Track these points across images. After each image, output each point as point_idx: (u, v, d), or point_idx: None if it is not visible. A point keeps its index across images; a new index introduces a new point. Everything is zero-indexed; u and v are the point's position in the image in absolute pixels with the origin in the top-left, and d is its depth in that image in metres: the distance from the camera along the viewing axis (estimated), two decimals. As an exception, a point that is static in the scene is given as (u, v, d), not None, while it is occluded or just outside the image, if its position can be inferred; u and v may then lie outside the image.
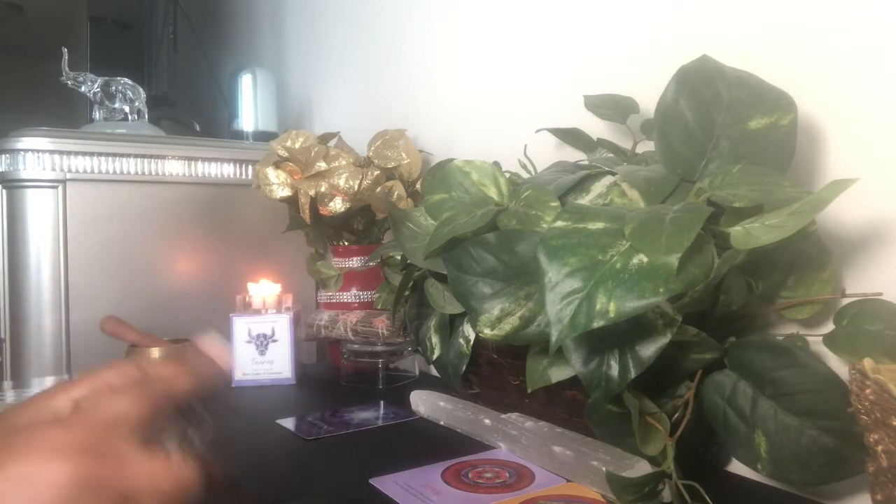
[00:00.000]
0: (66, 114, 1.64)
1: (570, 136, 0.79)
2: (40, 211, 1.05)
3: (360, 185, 0.99)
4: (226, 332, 1.01)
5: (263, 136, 1.39)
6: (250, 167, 1.21)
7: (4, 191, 1.06)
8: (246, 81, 1.45)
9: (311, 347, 1.24)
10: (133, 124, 1.27)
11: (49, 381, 1.01)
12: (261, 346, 1.01)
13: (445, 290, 0.73)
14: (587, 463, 0.57)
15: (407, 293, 0.84)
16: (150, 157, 1.13)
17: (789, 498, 0.57)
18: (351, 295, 1.08)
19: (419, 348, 0.81)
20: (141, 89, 1.30)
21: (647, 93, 0.68)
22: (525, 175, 0.80)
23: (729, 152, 0.57)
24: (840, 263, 0.58)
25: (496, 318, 0.61)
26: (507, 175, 0.74)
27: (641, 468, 0.54)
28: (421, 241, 0.73)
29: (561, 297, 0.48)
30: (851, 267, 0.58)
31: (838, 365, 0.54)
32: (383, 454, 0.69)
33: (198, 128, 1.62)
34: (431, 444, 0.71)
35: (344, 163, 1.01)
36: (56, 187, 1.06)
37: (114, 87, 1.27)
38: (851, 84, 0.58)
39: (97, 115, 1.27)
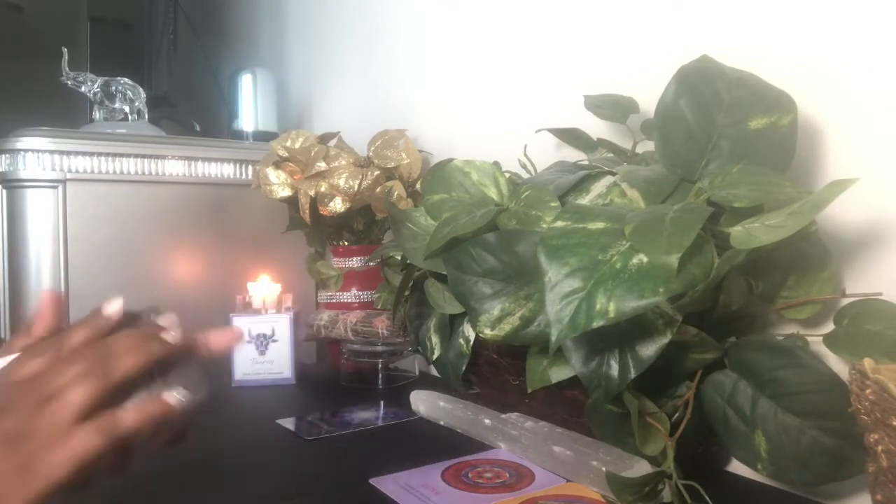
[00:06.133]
0: (66, 114, 1.64)
1: (570, 136, 0.79)
2: (40, 211, 1.05)
3: (360, 185, 0.99)
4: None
5: (263, 136, 1.39)
6: (250, 167, 1.21)
7: (4, 191, 1.06)
8: (246, 81, 1.45)
9: (311, 347, 1.23)
10: (133, 124, 1.27)
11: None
12: (261, 346, 1.01)
13: (445, 290, 0.73)
14: (587, 463, 0.57)
15: (407, 293, 0.84)
16: (150, 157, 1.13)
17: (789, 498, 0.57)
18: (351, 295, 1.08)
19: (419, 348, 0.81)
20: (141, 89, 1.30)
21: (647, 93, 0.68)
22: (525, 175, 0.80)
23: (729, 152, 0.57)
24: (840, 263, 0.58)
25: (496, 318, 0.61)
26: (507, 175, 0.73)
27: (641, 468, 0.54)
28: (421, 241, 0.73)
29: (561, 297, 0.48)
30: (851, 267, 0.58)
31: (838, 365, 0.54)
32: (383, 454, 0.69)
33: (198, 128, 1.62)
34: (431, 444, 0.71)
35: (344, 163, 1.01)
36: (56, 187, 1.06)
37: (114, 87, 1.27)
38: (851, 84, 0.58)
39: (97, 115, 1.27)
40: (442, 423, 0.77)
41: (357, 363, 1.01)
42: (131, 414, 0.44)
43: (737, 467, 0.63)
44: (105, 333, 0.46)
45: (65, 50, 1.23)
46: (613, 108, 0.74)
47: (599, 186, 0.64)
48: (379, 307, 1.01)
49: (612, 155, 0.75)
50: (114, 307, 0.48)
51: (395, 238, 0.77)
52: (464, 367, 0.74)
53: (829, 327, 0.55)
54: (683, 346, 0.54)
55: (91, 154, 1.08)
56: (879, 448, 0.38)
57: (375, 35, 1.27)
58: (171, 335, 0.47)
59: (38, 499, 0.39)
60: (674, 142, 0.59)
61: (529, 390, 0.63)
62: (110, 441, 0.42)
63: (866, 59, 0.57)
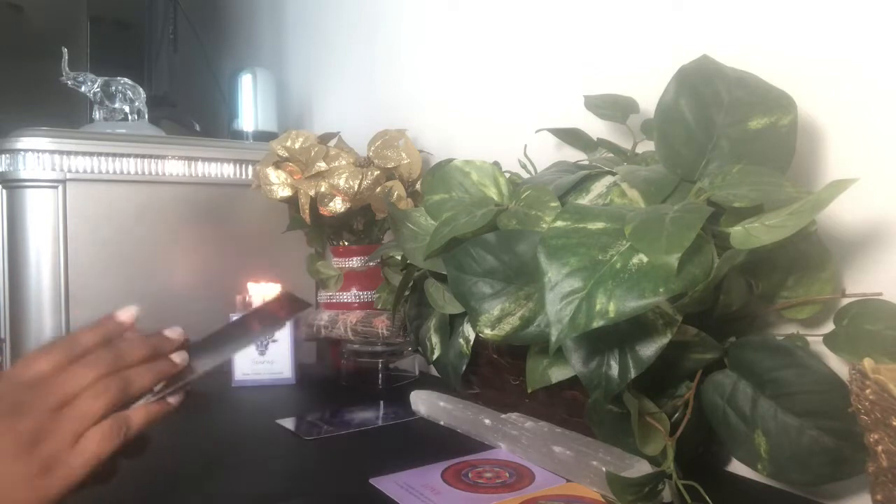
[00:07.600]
0: (66, 114, 1.64)
1: (570, 136, 0.79)
2: (40, 211, 1.05)
3: (360, 185, 0.99)
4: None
5: (263, 136, 1.39)
6: (250, 167, 1.21)
7: (4, 191, 1.06)
8: (246, 81, 1.45)
9: (311, 347, 1.23)
10: (133, 124, 1.27)
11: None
12: (261, 346, 1.01)
13: (445, 290, 0.73)
14: (587, 463, 0.57)
15: (407, 293, 0.84)
16: (150, 157, 1.13)
17: (789, 498, 0.57)
18: (351, 295, 1.08)
19: (419, 348, 0.81)
20: (141, 89, 1.29)
21: (647, 93, 0.68)
22: (525, 175, 0.80)
23: (729, 152, 0.57)
24: (840, 263, 0.58)
25: (496, 318, 0.61)
26: (507, 175, 0.73)
27: (641, 468, 0.54)
28: (421, 241, 0.73)
29: (561, 297, 0.48)
30: (851, 267, 0.58)
31: (838, 365, 0.54)
32: (383, 454, 0.69)
33: (198, 128, 1.62)
34: (431, 444, 0.71)
35: (344, 163, 1.01)
36: (56, 187, 1.05)
37: (114, 87, 1.27)
38: (851, 84, 0.58)
39: (97, 115, 1.27)
40: (442, 423, 0.77)
41: (357, 363, 1.01)
42: (140, 415, 0.46)
43: (737, 467, 0.63)
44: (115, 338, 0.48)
45: (65, 50, 1.23)
46: (613, 108, 0.74)
47: (599, 186, 0.64)
48: (379, 307, 1.01)
49: (612, 155, 0.75)
50: (127, 314, 0.50)
51: (395, 238, 0.77)
52: (464, 367, 0.74)
53: (829, 327, 0.55)
54: (683, 346, 0.54)
55: (91, 154, 1.08)
56: (879, 448, 0.38)
57: (376, 35, 1.27)
58: (180, 358, 0.50)
59: (56, 499, 0.41)
60: (674, 142, 0.59)
61: (529, 390, 0.63)
62: (122, 442, 0.45)
63: (866, 59, 0.57)
